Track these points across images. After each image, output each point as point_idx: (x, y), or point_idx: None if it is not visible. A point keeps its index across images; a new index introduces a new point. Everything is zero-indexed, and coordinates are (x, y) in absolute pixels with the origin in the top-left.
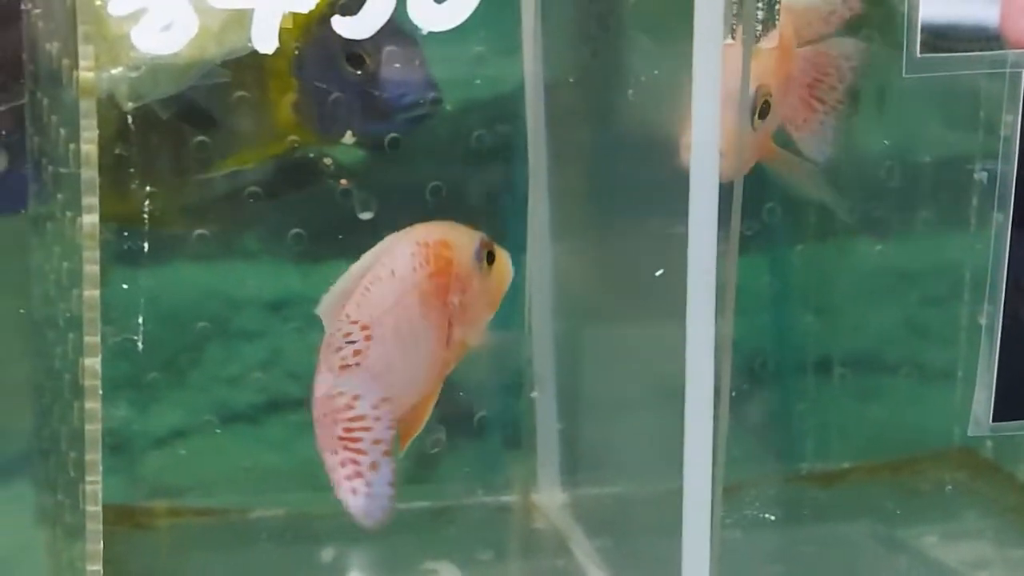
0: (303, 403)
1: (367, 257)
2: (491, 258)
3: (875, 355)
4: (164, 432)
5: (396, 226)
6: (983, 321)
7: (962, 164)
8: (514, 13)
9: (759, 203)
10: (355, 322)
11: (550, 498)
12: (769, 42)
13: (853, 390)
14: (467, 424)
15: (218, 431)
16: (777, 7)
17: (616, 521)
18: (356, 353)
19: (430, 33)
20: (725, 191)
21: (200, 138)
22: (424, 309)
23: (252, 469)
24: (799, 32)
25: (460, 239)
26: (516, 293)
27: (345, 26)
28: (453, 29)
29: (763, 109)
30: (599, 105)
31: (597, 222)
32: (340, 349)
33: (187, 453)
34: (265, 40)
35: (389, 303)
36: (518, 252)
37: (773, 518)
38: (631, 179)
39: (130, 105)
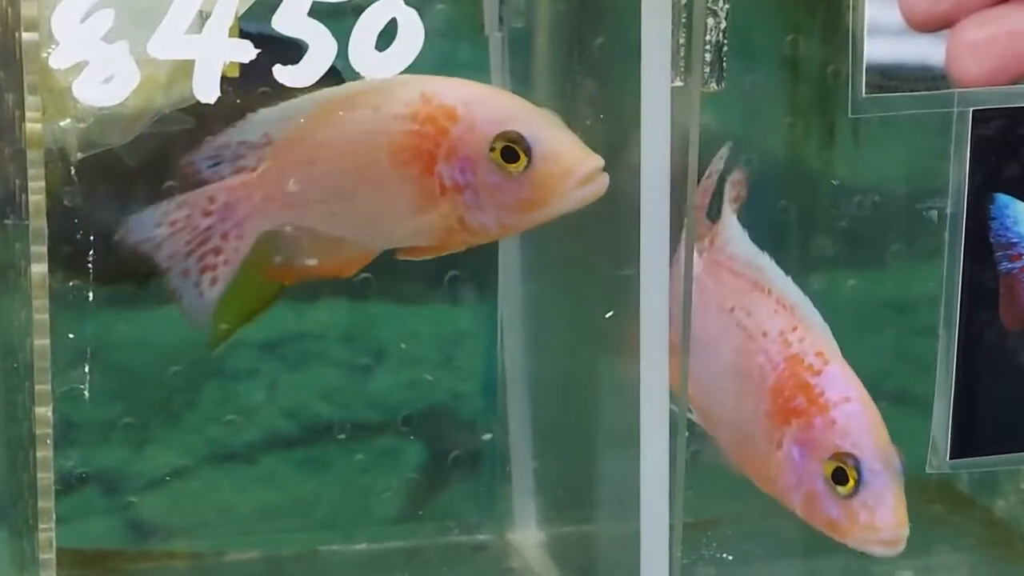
0: (288, 442)
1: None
2: (515, 156)
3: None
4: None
5: None
6: (939, 364)
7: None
8: (482, 61)
9: None
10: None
11: (525, 537)
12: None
13: None
14: (442, 463)
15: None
16: (724, 49)
17: (591, 560)
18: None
19: None
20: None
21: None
22: (395, 161)
23: (228, 511)
24: None
25: (479, 116)
26: (488, 331)
27: (287, 75)
28: None
29: None
30: None
31: (567, 261)
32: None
33: (162, 496)
34: (207, 90)
35: (349, 131)
36: (489, 292)
37: (741, 549)
38: (592, 220)
39: (79, 156)
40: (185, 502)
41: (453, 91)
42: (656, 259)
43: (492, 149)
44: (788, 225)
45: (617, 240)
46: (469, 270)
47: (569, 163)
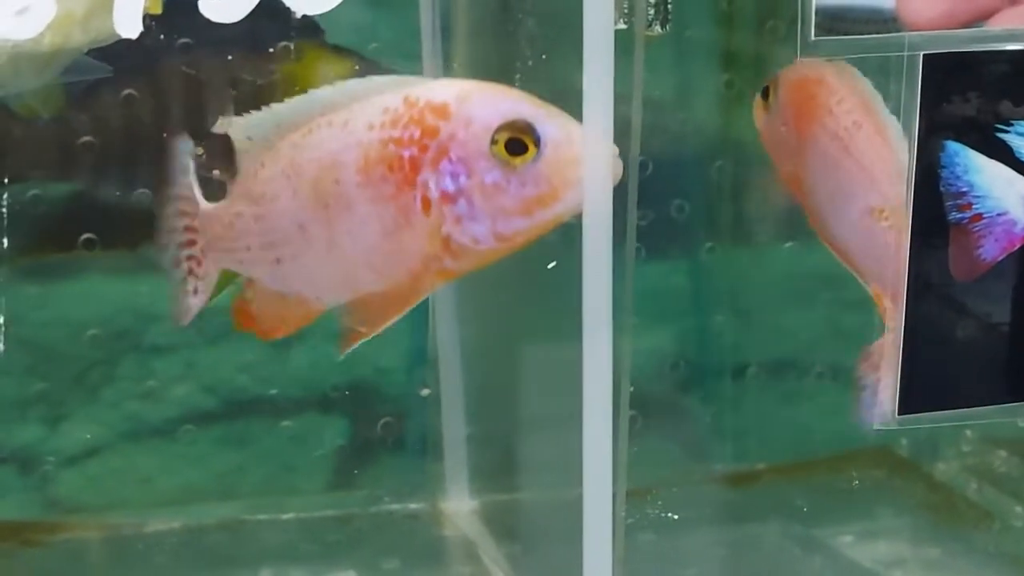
0: (207, 417)
1: (338, 92)
2: (522, 147)
3: (791, 357)
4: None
5: None
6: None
7: None
8: (412, 15)
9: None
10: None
11: (458, 505)
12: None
13: (770, 393)
14: (372, 430)
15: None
16: None
17: (525, 527)
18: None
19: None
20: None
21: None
22: (365, 180)
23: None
24: None
25: (476, 109)
26: None
27: (214, 9)
28: (352, 30)
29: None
30: None
31: None
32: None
33: (84, 469)
34: (128, 25)
35: (320, 154)
36: None
37: (684, 513)
38: None
39: None
40: (105, 477)
41: (443, 88)
42: (600, 208)
43: (495, 142)
44: (722, 188)
45: None
46: None
47: (582, 151)
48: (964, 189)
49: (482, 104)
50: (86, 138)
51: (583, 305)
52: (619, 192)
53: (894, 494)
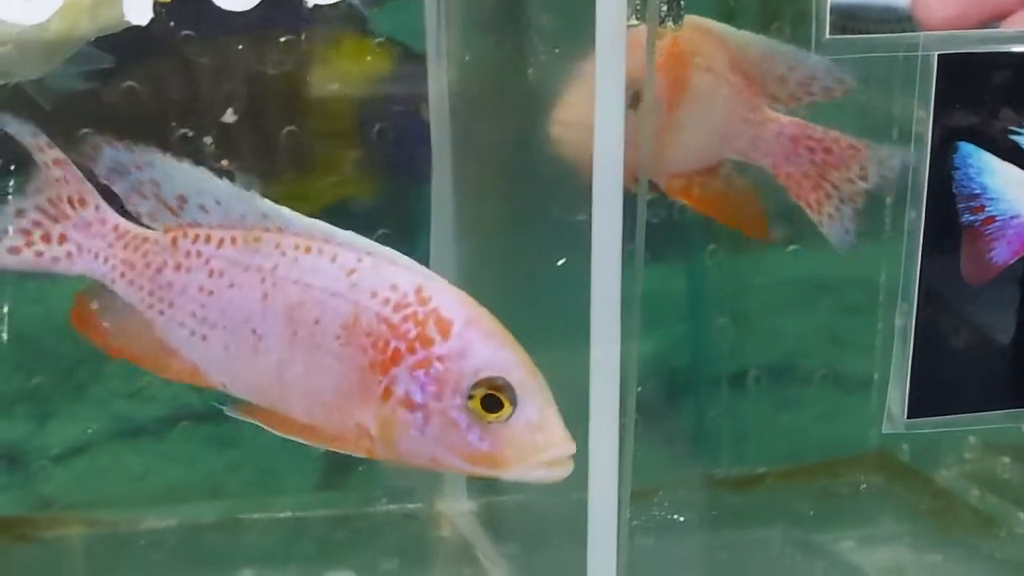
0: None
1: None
2: (498, 405)
3: (792, 363)
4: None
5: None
6: (897, 320)
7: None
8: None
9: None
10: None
11: (456, 506)
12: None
13: (770, 397)
14: None
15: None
16: None
17: (522, 528)
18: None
19: None
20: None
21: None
22: (346, 337)
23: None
24: (765, 87)
25: (474, 347)
26: None
27: None
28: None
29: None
30: (503, 96)
31: (502, 219)
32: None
33: (79, 465)
34: (138, 11)
35: (312, 282)
36: (421, 253)
37: (685, 517)
38: (534, 174)
39: None
40: (97, 474)
41: (455, 305)
42: (610, 203)
43: (472, 393)
44: None
45: (569, 186)
46: (399, 227)
47: (550, 438)
48: (977, 191)
49: (482, 345)
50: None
51: (592, 307)
52: (628, 195)
53: (895, 500)
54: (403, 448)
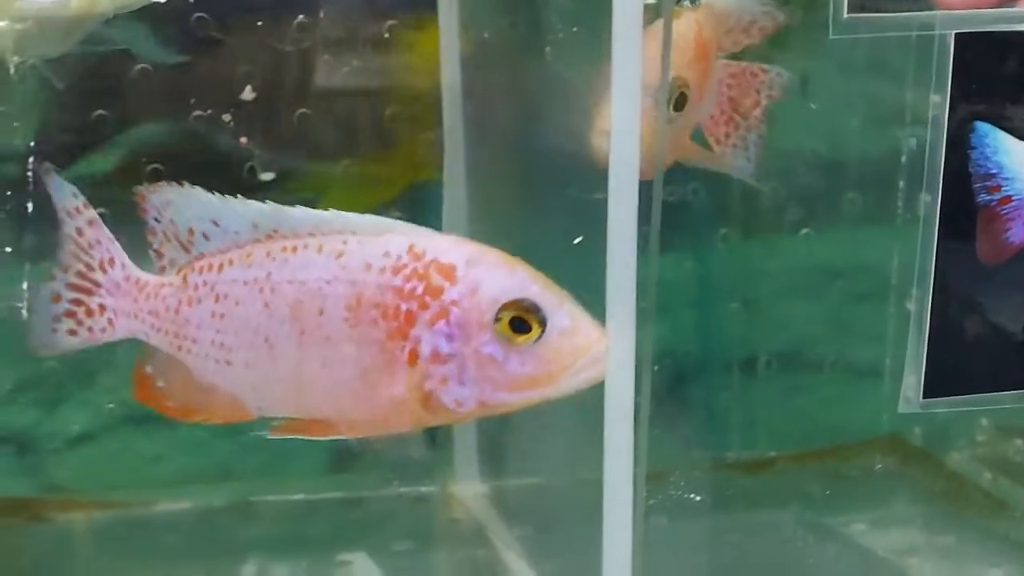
0: None
1: (330, 217)
2: (526, 327)
3: (804, 348)
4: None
5: (296, 189)
6: (911, 306)
7: (887, 159)
8: None
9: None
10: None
11: (469, 489)
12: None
13: (783, 382)
14: None
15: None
16: None
17: (536, 510)
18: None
19: None
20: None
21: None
22: (355, 319)
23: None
24: (719, 40)
25: (485, 280)
26: None
27: None
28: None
29: (679, 101)
30: (517, 79)
31: (515, 203)
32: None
33: (91, 451)
34: None
35: (305, 278)
36: None
37: (698, 498)
38: (549, 158)
39: (15, 60)
40: (113, 459)
41: (452, 248)
42: (625, 187)
43: (498, 319)
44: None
45: (584, 167)
46: (412, 210)
47: (586, 339)
48: (993, 171)
49: (491, 275)
50: (98, 112)
51: (607, 289)
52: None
53: (907, 482)
54: (449, 403)
